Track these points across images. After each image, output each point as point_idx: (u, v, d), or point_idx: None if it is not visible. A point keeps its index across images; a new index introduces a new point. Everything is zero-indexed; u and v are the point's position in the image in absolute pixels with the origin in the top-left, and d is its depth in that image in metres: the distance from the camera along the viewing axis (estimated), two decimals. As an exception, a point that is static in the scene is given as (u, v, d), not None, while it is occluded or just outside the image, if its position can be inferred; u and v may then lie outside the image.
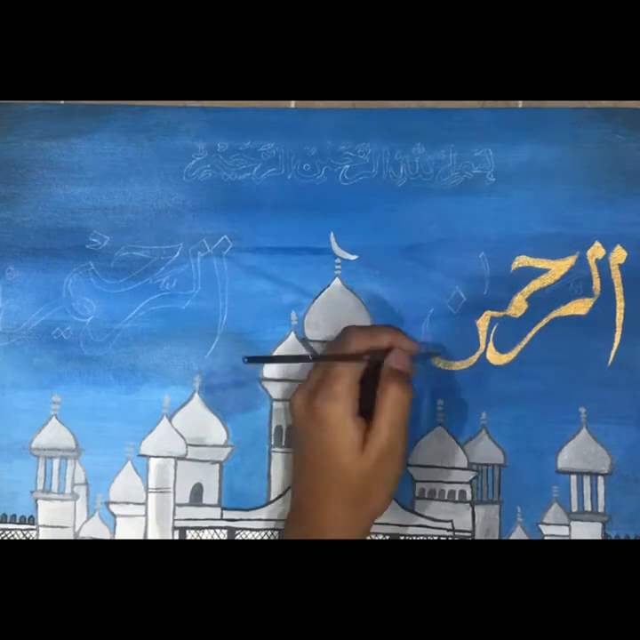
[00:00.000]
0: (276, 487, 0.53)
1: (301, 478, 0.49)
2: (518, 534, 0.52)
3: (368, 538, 0.51)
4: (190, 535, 0.53)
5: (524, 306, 0.54)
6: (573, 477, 0.53)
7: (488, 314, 0.54)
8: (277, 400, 0.54)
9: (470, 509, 0.53)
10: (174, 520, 0.53)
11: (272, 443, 0.54)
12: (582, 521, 0.52)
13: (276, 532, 0.53)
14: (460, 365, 0.54)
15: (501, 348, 0.54)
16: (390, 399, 0.47)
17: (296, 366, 0.54)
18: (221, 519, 0.53)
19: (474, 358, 0.54)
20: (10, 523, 0.54)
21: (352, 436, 0.46)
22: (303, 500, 0.49)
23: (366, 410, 0.47)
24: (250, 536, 0.53)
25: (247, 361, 0.47)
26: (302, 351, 0.54)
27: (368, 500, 0.47)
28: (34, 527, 0.54)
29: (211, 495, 0.54)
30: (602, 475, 0.52)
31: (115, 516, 0.54)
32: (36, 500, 0.54)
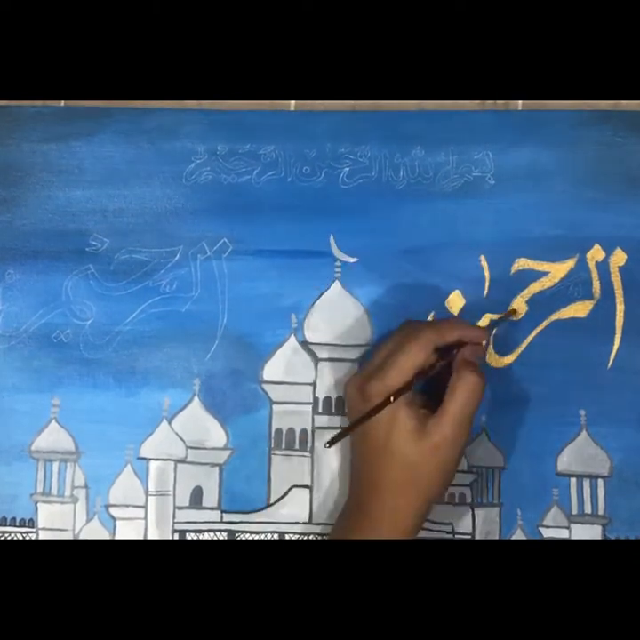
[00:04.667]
0: (276, 490, 0.53)
1: (356, 464, 0.49)
2: (518, 537, 0.52)
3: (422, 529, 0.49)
4: (190, 538, 0.53)
5: (524, 308, 0.54)
6: (573, 480, 0.52)
7: (488, 316, 0.54)
8: (277, 403, 0.54)
9: (470, 512, 0.53)
10: (174, 523, 0.53)
11: (272, 445, 0.54)
12: (582, 523, 0.52)
13: (275, 535, 0.53)
14: (459, 368, 0.54)
15: (501, 350, 0.54)
16: (465, 386, 0.46)
17: (297, 368, 0.54)
18: (221, 522, 0.53)
19: (474, 361, 0.53)
20: (9, 525, 0.54)
21: (406, 424, 0.46)
22: (359, 488, 0.49)
23: (432, 401, 0.48)
24: (250, 539, 0.53)
25: (328, 446, 0.48)
26: (303, 353, 0.54)
27: (424, 487, 0.47)
28: (33, 530, 0.54)
29: (210, 498, 0.54)
30: (602, 477, 0.52)
31: (114, 518, 0.54)
32: (36, 503, 0.54)
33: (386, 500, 0.47)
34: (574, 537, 0.52)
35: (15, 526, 0.54)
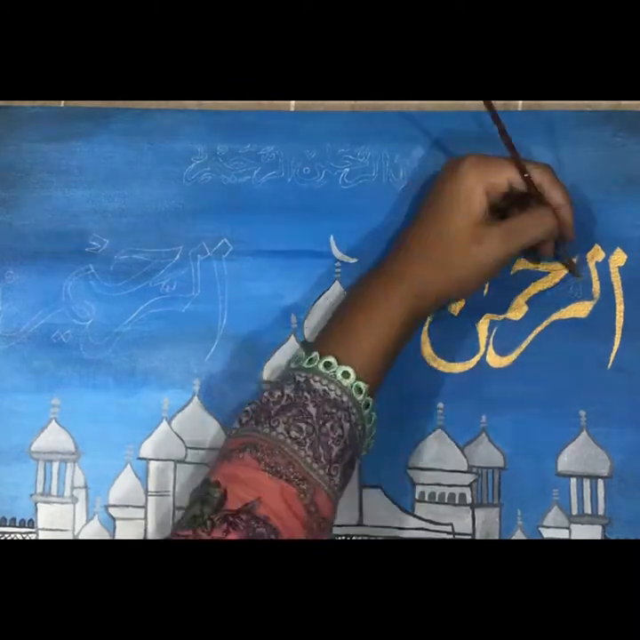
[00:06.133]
0: (276, 490, 0.53)
1: (409, 229, 0.51)
2: (518, 537, 0.52)
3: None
4: (190, 538, 0.53)
5: (524, 309, 0.54)
6: (573, 480, 0.52)
7: (488, 317, 0.54)
8: (277, 403, 0.54)
9: (470, 512, 0.53)
10: (174, 523, 0.53)
11: (272, 446, 0.54)
12: (582, 524, 0.52)
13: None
14: (460, 368, 0.54)
15: (501, 351, 0.53)
16: (538, 219, 0.49)
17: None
18: (221, 522, 0.53)
19: (474, 361, 0.53)
20: (9, 526, 0.54)
21: (468, 211, 0.48)
22: (400, 248, 0.50)
23: None
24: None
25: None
26: (303, 354, 0.54)
27: (459, 275, 0.49)
28: (33, 530, 0.54)
29: (210, 498, 0.53)
30: (602, 478, 0.52)
31: (114, 519, 0.54)
32: (36, 504, 0.54)
33: (416, 266, 0.49)
34: (574, 537, 0.52)
35: (15, 526, 0.54)
